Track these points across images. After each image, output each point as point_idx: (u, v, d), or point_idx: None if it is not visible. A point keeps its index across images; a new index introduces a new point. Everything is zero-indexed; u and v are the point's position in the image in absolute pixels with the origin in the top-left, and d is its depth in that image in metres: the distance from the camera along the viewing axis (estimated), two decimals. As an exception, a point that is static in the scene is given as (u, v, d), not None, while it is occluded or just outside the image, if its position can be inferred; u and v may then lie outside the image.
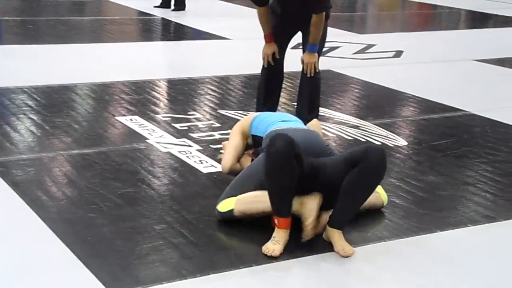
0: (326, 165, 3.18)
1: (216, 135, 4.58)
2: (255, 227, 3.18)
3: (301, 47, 4.69)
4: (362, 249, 3.06)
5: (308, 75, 4.53)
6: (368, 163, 2.98)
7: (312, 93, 4.62)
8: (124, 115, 4.92)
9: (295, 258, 2.97)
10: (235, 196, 3.23)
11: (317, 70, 4.54)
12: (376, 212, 3.44)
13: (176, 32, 9.06)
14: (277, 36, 4.59)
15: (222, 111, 5.15)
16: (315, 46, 4.46)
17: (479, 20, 11.61)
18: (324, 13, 4.36)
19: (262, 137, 3.52)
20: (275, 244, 3.00)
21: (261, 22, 4.60)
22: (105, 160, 4.03)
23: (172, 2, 10.28)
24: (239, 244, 3.11)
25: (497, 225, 3.39)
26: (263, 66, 4.69)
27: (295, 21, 4.55)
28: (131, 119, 4.83)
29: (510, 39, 9.45)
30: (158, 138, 4.43)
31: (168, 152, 4.19)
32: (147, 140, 4.38)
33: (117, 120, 4.81)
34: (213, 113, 5.11)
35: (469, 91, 6.24)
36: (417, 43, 8.69)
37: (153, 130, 4.60)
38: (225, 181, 3.76)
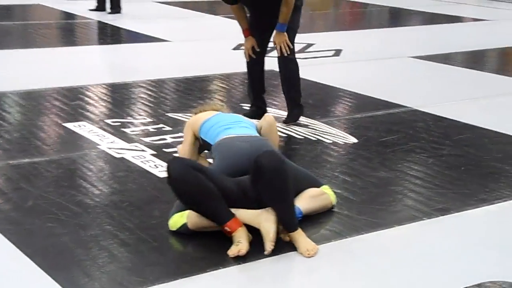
0: (245, 179, 3.21)
1: (168, 138, 4.56)
2: (219, 231, 3.18)
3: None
4: (322, 247, 3.11)
5: (280, 54, 4.71)
6: (263, 172, 3.05)
7: (291, 76, 4.85)
8: (71, 121, 4.84)
9: (263, 258, 2.99)
10: (185, 210, 3.18)
11: (291, 47, 4.71)
12: (332, 209, 3.51)
13: (114, 36, 8.96)
14: (254, 29, 4.76)
15: (170, 114, 5.13)
16: (284, 25, 4.63)
17: (409, 17, 11.91)
18: None
19: (211, 143, 3.56)
20: (238, 245, 3.01)
21: (237, 19, 4.79)
22: (57, 168, 3.97)
23: (108, 5, 10.16)
24: (203, 248, 3.10)
25: (450, 217, 3.50)
26: (246, 61, 4.89)
27: (267, 13, 4.67)
28: (79, 125, 4.76)
29: (439, 36, 9.74)
30: (109, 144, 4.38)
31: (122, 158, 4.15)
32: (98, 146, 4.33)
33: (64, 126, 4.73)
34: (162, 116, 5.09)
35: (408, 87, 6.41)
36: (354, 41, 8.85)
37: (104, 136, 4.54)
38: (182, 185, 3.77)
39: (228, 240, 3.05)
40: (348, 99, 5.89)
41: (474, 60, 8.13)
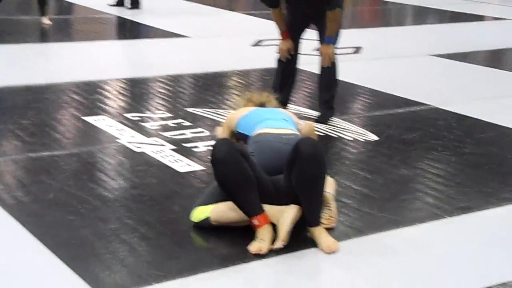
0: (280, 178, 3.18)
1: (188, 133, 4.55)
2: (239, 226, 3.16)
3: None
4: (343, 244, 3.08)
5: (325, 65, 4.88)
6: (301, 156, 3.01)
7: (330, 81, 4.99)
8: (90, 115, 4.84)
9: (284, 254, 2.97)
10: (210, 204, 3.18)
11: (334, 61, 4.88)
12: (352, 206, 3.48)
13: (133, 31, 8.97)
14: (292, 32, 4.90)
15: (190, 109, 5.12)
16: (331, 38, 4.80)
17: (429, 15, 11.82)
18: (338, 9, 4.64)
19: (248, 135, 3.50)
20: (260, 242, 2.99)
21: (276, 21, 4.94)
22: (77, 161, 3.97)
23: (127, 1, 10.17)
24: (223, 243, 3.08)
25: (472, 216, 3.46)
26: (279, 58, 5.01)
27: (307, 16, 4.87)
28: (98, 119, 4.76)
29: (459, 34, 9.65)
30: (129, 138, 4.38)
31: (142, 152, 4.14)
32: (118, 140, 4.33)
33: (84, 120, 4.74)
34: (181, 111, 5.08)
35: (429, 86, 6.35)
36: (374, 39, 8.80)
37: (123, 130, 4.54)
38: (202, 180, 3.76)
39: (248, 236, 3.03)
40: (368, 96, 5.85)
41: (495, 59, 8.06)
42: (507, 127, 5.03)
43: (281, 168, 3.17)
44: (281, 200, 3.12)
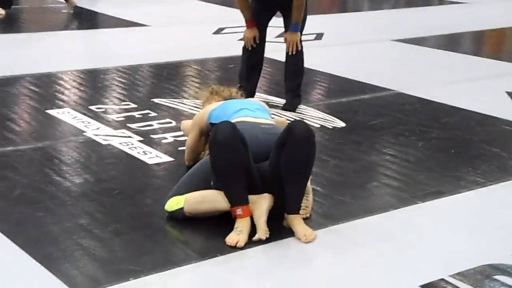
0: (264, 165, 3.14)
1: (155, 124, 4.48)
2: (214, 218, 3.13)
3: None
4: (318, 232, 3.07)
5: (290, 53, 4.87)
6: (293, 137, 2.99)
7: (296, 69, 4.99)
8: (53, 108, 4.73)
9: (259, 245, 2.95)
10: (183, 194, 3.13)
11: (299, 48, 4.87)
12: (324, 193, 3.47)
13: (91, 20, 8.79)
14: (257, 20, 4.86)
15: (155, 100, 5.05)
16: (297, 25, 4.79)
17: (386, 0, 11.89)
18: None
19: None
20: (238, 234, 2.96)
21: (241, 9, 4.88)
22: (43, 156, 3.87)
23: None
24: (198, 236, 3.04)
25: (444, 200, 3.49)
26: (244, 46, 4.95)
27: (273, 5, 4.86)
28: (63, 112, 4.65)
29: (421, 19, 9.74)
30: (95, 131, 4.29)
31: (109, 145, 4.06)
32: (84, 133, 4.24)
33: (48, 113, 4.63)
34: (146, 102, 5.00)
35: (392, 71, 6.39)
36: (335, 25, 8.82)
37: (89, 122, 4.45)
38: (172, 172, 3.71)
39: (223, 228, 3.00)
40: (333, 82, 5.85)
41: (454, 42, 8.15)
42: (470, 111, 5.09)
43: (258, 157, 3.14)
44: (263, 189, 3.09)
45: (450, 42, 8.08)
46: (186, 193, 3.13)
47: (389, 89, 5.62)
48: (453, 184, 3.68)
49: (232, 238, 2.94)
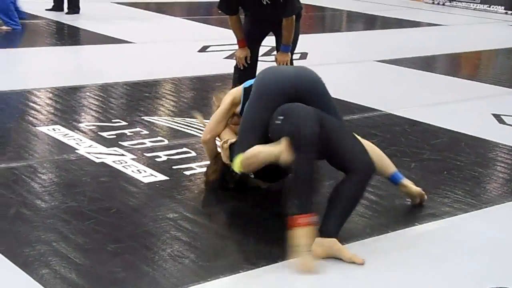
0: (338, 141, 3.26)
1: (147, 142, 4.45)
2: (213, 244, 3.10)
3: (273, 53, 5.04)
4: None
5: None
6: (358, 174, 3.14)
7: None
8: (45, 125, 4.68)
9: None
10: (242, 153, 3.24)
11: None
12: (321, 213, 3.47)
13: (74, 37, 8.74)
14: (249, 40, 4.86)
15: (147, 118, 5.02)
16: (287, 46, 4.80)
17: (365, 21, 12.02)
18: (294, 16, 4.65)
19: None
20: (305, 257, 2.88)
21: (233, 29, 4.89)
22: (35, 173, 3.82)
23: (65, 5, 9.92)
24: (206, 255, 3.00)
25: (440, 222, 3.51)
26: (236, 65, 4.96)
27: (266, 25, 4.85)
28: (53, 129, 4.60)
29: (402, 40, 9.85)
30: (88, 148, 4.25)
31: (102, 163, 4.02)
32: (77, 151, 4.19)
33: (39, 130, 4.57)
34: (137, 120, 4.96)
35: (378, 91, 6.44)
36: (318, 44, 8.86)
37: (81, 140, 4.40)
38: (168, 190, 3.68)
39: (227, 249, 2.97)
40: (321, 102, 5.86)
41: (434, 64, 8.26)
42: (458, 132, 5.14)
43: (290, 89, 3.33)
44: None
45: (430, 64, 8.19)
46: (248, 146, 3.23)
47: (378, 110, 5.66)
48: (449, 206, 3.70)
49: (304, 265, 2.87)
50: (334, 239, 3.00)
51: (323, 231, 3.01)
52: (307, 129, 3.06)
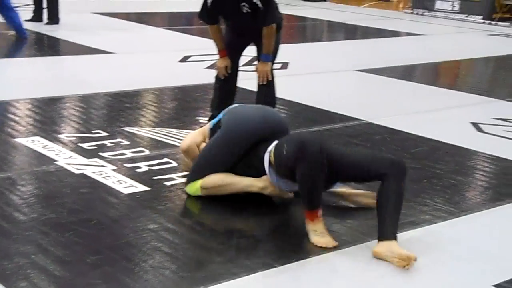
0: (343, 157, 3.48)
1: (128, 153, 4.43)
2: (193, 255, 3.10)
3: (254, 63, 5.08)
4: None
5: (260, 83, 4.91)
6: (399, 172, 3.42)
7: (268, 99, 4.96)
8: (24, 137, 4.65)
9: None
10: (199, 179, 3.60)
11: (270, 78, 4.89)
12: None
13: (54, 47, 8.70)
14: (230, 50, 4.88)
15: (128, 128, 5.00)
16: (268, 56, 4.82)
17: (350, 32, 12.11)
18: (274, 25, 4.68)
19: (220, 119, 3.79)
20: (323, 236, 3.26)
21: (214, 39, 4.89)
22: (14, 185, 3.79)
23: (45, 16, 9.88)
24: (186, 266, 3.00)
25: (420, 230, 3.53)
26: (217, 75, 4.97)
27: (246, 35, 4.85)
28: (32, 140, 4.57)
29: (382, 49, 9.92)
30: (67, 159, 4.22)
31: (82, 174, 4.00)
32: (56, 162, 4.17)
33: (17, 142, 4.54)
34: (117, 130, 4.95)
35: (359, 100, 6.48)
36: (299, 54, 8.90)
37: (60, 151, 4.38)
38: (149, 200, 3.67)
39: (206, 259, 2.97)
40: (303, 112, 5.89)
41: (414, 73, 8.32)
42: (438, 141, 5.18)
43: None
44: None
45: (410, 73, 8.25)
46: (201, 177, 3.59)
47: (358, 119, 5.69)
48: (429, 214, 3.72)
49: (321, 242, 3.23)
50: (394, 241, 3.19)
51: (382, 235, 3.22)
52: (311, 139, 3.33)
